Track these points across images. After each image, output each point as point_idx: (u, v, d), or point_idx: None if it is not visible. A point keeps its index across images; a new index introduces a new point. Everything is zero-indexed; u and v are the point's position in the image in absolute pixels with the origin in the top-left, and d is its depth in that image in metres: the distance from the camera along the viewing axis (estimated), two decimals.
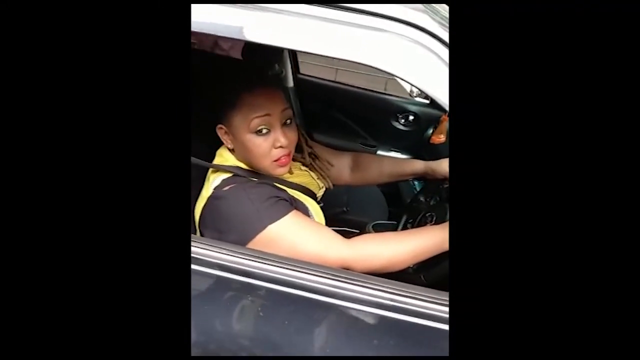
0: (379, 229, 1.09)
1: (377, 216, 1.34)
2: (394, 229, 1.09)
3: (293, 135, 0.66)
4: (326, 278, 0.48)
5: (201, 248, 0.51)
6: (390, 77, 3.15)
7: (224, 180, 0.66)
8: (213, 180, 0.66)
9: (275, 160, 0.65)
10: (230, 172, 0.67)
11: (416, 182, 1.48)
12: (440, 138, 1.18)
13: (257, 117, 0.61)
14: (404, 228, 0.93)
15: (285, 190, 0.69)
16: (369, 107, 1.55)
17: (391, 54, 0.46)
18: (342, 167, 0.94)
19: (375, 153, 1.61)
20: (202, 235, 0.64)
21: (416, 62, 0.46)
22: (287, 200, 0.65)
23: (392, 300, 0.47)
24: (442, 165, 0.87)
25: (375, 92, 1.59)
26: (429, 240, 0.62)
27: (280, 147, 0.64)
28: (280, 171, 0.67)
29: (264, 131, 0.62)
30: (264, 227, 0.59)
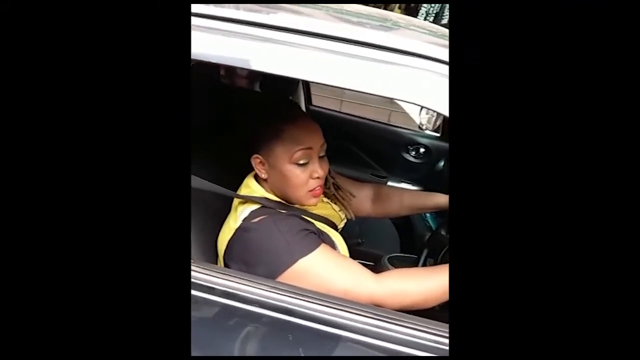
0: (395, 261, 1.07)
1: (390, 248, 1.32)
2: (412, 262, 1.07)
3: (327, 167, 0.68)
4: (367, 317, 0.47)
5: (231, 281, 0.49)
6: (394, 110, 3.23)
7: (252, 211, 0.65)
8: (241, 212, 0.66)
9: (310, 191, 0.66)
10: (259, 203, 0.66)
11: (428, 216, 1.47)
12: None
13: (300, 149, 0.63)
14: (425, 262, 0.92)
15: (312, 222, 0.68)
16: (379, 139, 1.58)
17: (419, 87, 0.48)
18: (363, 198, 0.94)
19: (385, 184, 1.61)
20: (227, 267, 0.63)
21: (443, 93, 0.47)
22: (315, 234, 0.64)
23: (435, 342, 0.45)
24: None
25: (386, 124, 1.62)
26: None
27: (317, 177, 0.66)
28: (313, 201, 0.68)
29: (304, 163, 0.64)
30: (295, 262, 0.57)
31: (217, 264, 0.67)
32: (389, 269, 0.64)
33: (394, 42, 0.48)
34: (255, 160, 0.67)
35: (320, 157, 0.67)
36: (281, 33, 0.48)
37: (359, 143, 1.58)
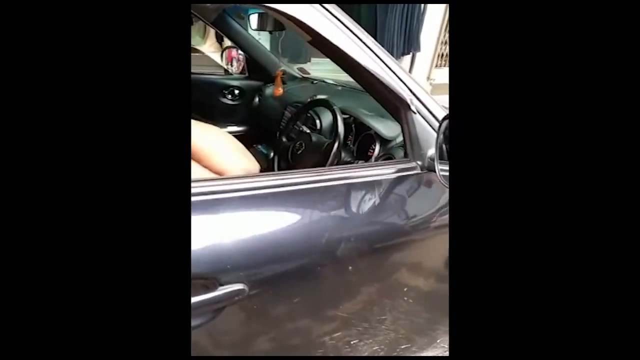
0: None
1: None
2: None
3: None
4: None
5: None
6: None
7: None
8: None
9: None
10: None
11: (260, 146, 1.69)
12: (279, 91, 1.42)
13: None
14: (279, 166, 1.14)
15: None
16: (196, 90, 1.62)
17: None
18: None
19: None
20: None
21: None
22: None
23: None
24: None
25: (198, 73, 1.67)
26: None
27: None
28: None
29: None
30: None
31: None
32: None
33: None
34: None
35: None
36: None
37: None
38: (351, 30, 0.64)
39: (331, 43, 0.63)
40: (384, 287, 0.75)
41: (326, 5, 0.61)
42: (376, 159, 0.97)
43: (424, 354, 0.95)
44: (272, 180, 0.62)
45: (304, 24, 0.60)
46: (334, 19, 0.62)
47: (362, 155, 1.06)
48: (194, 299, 0.52)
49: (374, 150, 1.02)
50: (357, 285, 0.70)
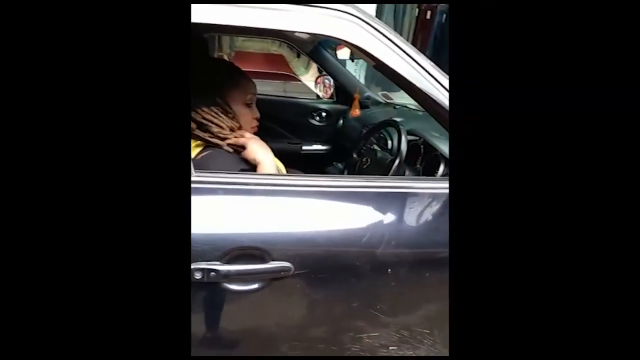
0: None
1: None
2: None
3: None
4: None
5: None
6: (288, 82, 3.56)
7: None
8: None
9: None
10: None
11: (339, 164, 1.82)
12: (356, 112, 1.55)
13: (251, 92, 0.86)
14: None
15: None
16: (289, 112, 1.86)
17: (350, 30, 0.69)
18: None
19: (300, 149, 1.90)
20: None
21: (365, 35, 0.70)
22: None
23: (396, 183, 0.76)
24: None
25: (292, 97, 1.90)
26: None
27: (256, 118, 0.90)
28: None
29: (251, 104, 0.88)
30: None
31: None
32: None
33: None
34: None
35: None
36: None
37: (273, 117, 1.84)
38: (407, 54, 0.72)
39: (390, 68, 0.71)
40: (425, 299, 0.77)
41: (384, 31, 0.70)
42: None
43: None
44: (332, 181, 0.72)
45: (365, 50, 0.70)
46: (391, 43, 0.70)
47: (428, 175, 1.09)
48: (250, 266, 0.64)
49: (439, 170, 1.05)
50: (397, 291, 0.74)
